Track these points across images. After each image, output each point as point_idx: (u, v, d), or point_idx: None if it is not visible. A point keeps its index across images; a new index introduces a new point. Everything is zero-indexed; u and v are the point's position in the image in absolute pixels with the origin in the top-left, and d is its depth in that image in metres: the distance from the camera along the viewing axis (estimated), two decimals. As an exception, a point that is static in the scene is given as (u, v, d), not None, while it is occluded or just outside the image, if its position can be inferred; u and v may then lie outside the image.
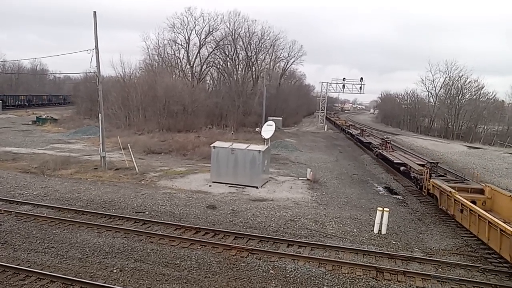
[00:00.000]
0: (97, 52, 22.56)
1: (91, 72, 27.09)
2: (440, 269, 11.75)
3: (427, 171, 20.28)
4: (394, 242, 13.88)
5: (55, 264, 11.04)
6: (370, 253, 12.67)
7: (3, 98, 69.91)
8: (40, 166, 22.84)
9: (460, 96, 74.43)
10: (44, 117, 51.21)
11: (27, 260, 11.19)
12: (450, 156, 38.42)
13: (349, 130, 56.80)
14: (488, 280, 11.09)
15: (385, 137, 36.23)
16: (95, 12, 22.47)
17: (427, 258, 12.53)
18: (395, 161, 26.10)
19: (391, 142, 35.94)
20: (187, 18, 60.61)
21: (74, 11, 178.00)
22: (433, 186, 18.78)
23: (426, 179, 19.93)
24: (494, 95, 74.43)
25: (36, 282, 9.85)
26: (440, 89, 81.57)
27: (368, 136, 46.49)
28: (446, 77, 78.90)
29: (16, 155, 27.12)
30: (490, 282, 10.95)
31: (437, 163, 22.92)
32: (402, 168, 24.58)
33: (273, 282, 10.52)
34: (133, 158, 24.18)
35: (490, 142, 60.81)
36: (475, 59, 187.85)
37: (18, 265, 10.69)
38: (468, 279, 11.07)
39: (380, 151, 32.11)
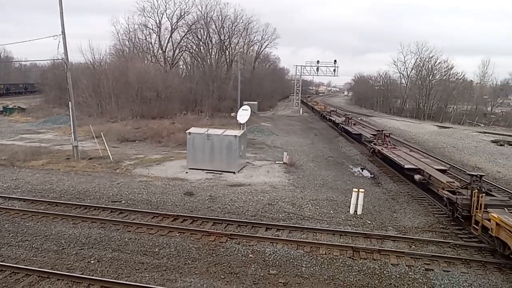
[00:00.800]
0: (64, 38, 21.76)
1: (58, 59, 26.20)
2: (413, 246, 12.16)
3: (474, 192, 12.80)
4: (369, 222, 14.24)
5: (30, 257, 10.81)
6: (346, 234, 12.97)
7: None
8: (10, 158, 22.12)
9: (430, 77, 76.19)
10: (11, 106, 49.36)
11: (0, 254, 10.90)
12: (422, 136, 39.48)
13: (330, 117, 48.24)
14: (458, 255, 11.55)
15: (381, 130, 28.77)
16: (60, -5, 21.56)
17: (401, 236, 12.93)
18: (406, 166, 19.35)
19: (390, 135, 29.27)
20: (158, 1, 59.14)
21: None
22: (497, 224, 11.09)
23: (475, 206, 12.57)
24: (463, 76, 76.68)
25: (10, 276, 9.64)
26: (411, 70, 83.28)
27: (355, 125, 38.49)
28: (417, 58, 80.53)
29: (-17, 147, 26.13)
30: (461, 257, 11.41)
31: (481, 175, 14.02)
32: (417, 177, 18.19)
33: (253, 266, 10.65)
34: (106, 147, 23.71)
35: (460, 122, 62.85)
36: (444, 40, 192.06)
37: (-10, 260, 10.41)
38: (440, 255, 11.51)
39: (378, 147, 25.02)
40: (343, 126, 38.43)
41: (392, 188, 19.31)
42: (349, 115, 42.86)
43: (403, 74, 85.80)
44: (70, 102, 23.03)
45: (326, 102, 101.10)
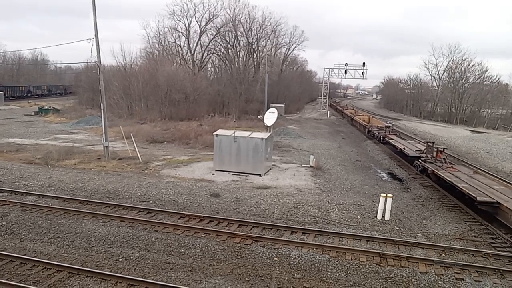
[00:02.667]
0: (97, 41, 22.40)
1: (92, 62, 27.00)
2: (443, 254, 11.80)
3: None
4: (397, 228, 13.93)
5: (61, 253, 11.15)
6: (373, 239, 12.72)
7: (4, 89, 69.85)
8: (44, 157, 22.93)
9: (463, 80, 73.85)
10: (46, 107, 51.23)
11: (34, 250, 11.31)
12: (454, 141, 38.29)
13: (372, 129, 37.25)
14: (491, 265, 11.13)
15: (432, 142, 23.47)
16: (93, 0, 22.25)
17: (431, 243, 12.57)
18: (479, 199, 14.52)
19: (445, 150, 23.14)
20: (187, 5, 59.98)
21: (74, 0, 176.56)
22: None
23: None
24: (498, 78, 73.88)
25: (43, 272, 9.97)
26: (443, 73, 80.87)
27: (397, 135, 31.33)
28: (450, 60, 78.15)
29: (20, 146, 27.22)
30: (494, 266, 10.99)
31: None
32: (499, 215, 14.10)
33: (277, 269, 10.60)
34: (136, 147, 24.23)
35: (494, 126, 60.58)
36: (478, 42, 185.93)
37: (25, 255, 10.81)
38: (471, 264, 11.12)
39: (431, 166, 20.26)
40: (390, 141, 29.88)
41: (422, 193, 18.83)
42: (390, 124, 36.39)
43: (434, 77, 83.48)
44: (102, 104, 23.68)
45: (354, 105, 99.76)
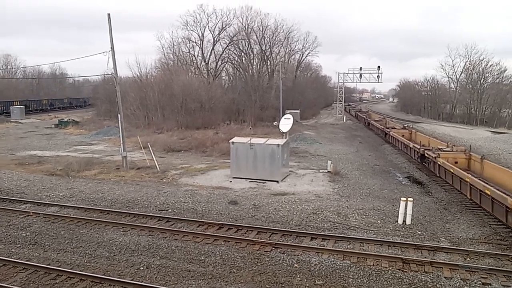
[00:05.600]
0: (113, 54, 22.83)
1: (108, 74, 27.50)
2: (468, 259, 11.51)
3: None
4: (419, 233, 13.67)
5: (83, 263, 11.30)
6: (395, 244, 12.51)
7: (26, 103, 71.85)
8: (65, 168, 23.35)
9: (482, 81, 72.62)
10: (66, 120, 52.27)
11: (57, 260, 11.48)
12: (475, 142, 37.49)
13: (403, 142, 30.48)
14: (519, 269, 10.80)
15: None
16: (109, 15, 22.73)
17: (455, 247, 12.29)
18: None
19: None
20: (200, 15, 60.85)
21: (91, 14, 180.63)
22: None
23: None
24: (518, 78, 72.26)
25: (66, 281, 10.10)
26: (461, 74, 79.70)
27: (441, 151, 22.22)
28: (467, 61, 77.01)
29: (41, 158, 27.79)
30: (522, 270, 10.65)
31: None
32: None
33: (298, 276, 10.51)
34: (153, 157, 24.48)
35: (516, 127, 59.20)
36: (496, 42, 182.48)
37: (48, 265, 10.99)
38: (498, 268, 10.81)
39: None
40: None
41: (443, 197, 18.46)
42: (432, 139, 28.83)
43: (451, 78, 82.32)
44: (119, 115, 24.06)
45: (370, 108, 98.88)
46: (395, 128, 37.73)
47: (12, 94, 76.36)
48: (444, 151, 22.67)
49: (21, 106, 63.82)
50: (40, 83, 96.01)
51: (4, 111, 62.11)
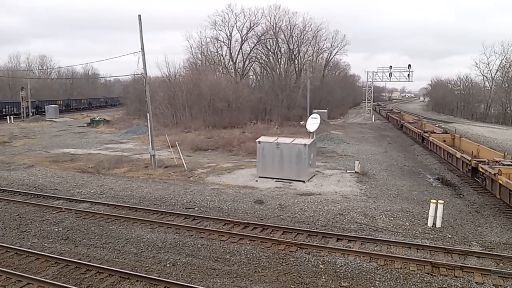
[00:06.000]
0: (143, 54, 23.27)
1: (138, 74, 28.03)
2: (501, 264, 11.09)
3: None
4: (450, 236, 13.27)
5: (112, 258, 11.59)
6: (424, 247, 12.19)
7: (68, 102, 75.44)
8: (96, 166, 24.03)
9: (519, 79, 69.71)
10: (97, 119, 53.81)
11: (87, 255, 11.83)
12: (511, 144, 36.09)
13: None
14: (557, 276, 10.30)
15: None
16: (139, 16, 23.15)
17: (487, 252, 11.86)
18: None
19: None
20: (228, 15, 61.27)
21: (122, 16, 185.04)
22: None
23: None
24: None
25: (96, 276, 10.39)
26: (496, 72, 76.86)
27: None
28: (503, 59, 74.16)
29: (74, 156, 28.71)
30: (559, 278, 10.15)
31: None
32: None
33: (323, 277, 10.41)
34: (181, 156, 24.82)
35: (555, 127, 56.53)
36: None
37: (79, 259, 11.34)
38: (534, 274, 10.36)
39: None
40: None
41: (476, 200, 17.84)
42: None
43: (486, 77, 79.54)
44: (148, 114, 24.52)
45: (400, 108, 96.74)
46: (434, 133, 32.37)
47: (46, 94, 79.48)
48: (505, 165, 18.37)
49: (56, 106, 66.24)
50: (73, 83, 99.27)
51: (42, 110, 64.66)
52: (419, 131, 36.22)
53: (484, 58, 78.22)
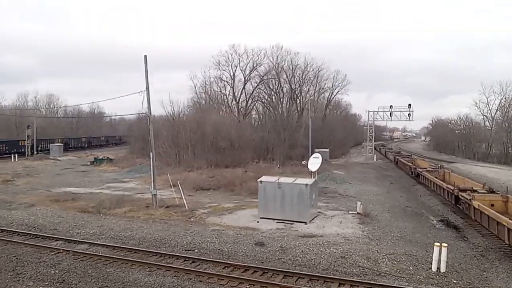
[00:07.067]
0: (148, 94, 23.74)
1: (142, 113, 28.53)
2: (509, 312, 10.75)
3: None
4: (455, 281, 12.94)
5: (109, 303, 11.31)
6: (428, 293, 11.88)
7: (67, 140, 75.31)
8: (97, 206, 23.91)
9: (519, 119, 70.25)
10: (101, 157, 54.15)
11: (83, 299, 11.56)
12: (513, 184, 35.82)
13: None
14: None
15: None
16: (145, 56, 23.84)
17: (494, 299, 11.55)
18: None
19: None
20: (232, 55, 62.99)
21: (126, 56, 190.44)
22: None
23: None
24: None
25: (91, 322, 10.11)
26: (496, 111, 77.61)
27: None
28: (502, 98, 75.13)
29: (75, 195, 28.65)
30: None
31: None
32: None
33: (325, 325, 10.09)
34: (182, 195, 24.74)
35: (559, 167, 56.25)
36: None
37: (75, 304, 11.08)
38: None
39: None
40: None
41: (481, 242, 17.53)
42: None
43: (486, 116, 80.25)
44: (151, 153, 24.70)
45: (402, 148, 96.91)
46: (477, 192, 22.24)
47: (53, 132, 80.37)
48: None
49: (60, 144, 66.85)
50: (79, 121, 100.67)
51: (46, 148, 65.00)
52: (449, 187, 26.01)
53: (484, 97, 79.07)
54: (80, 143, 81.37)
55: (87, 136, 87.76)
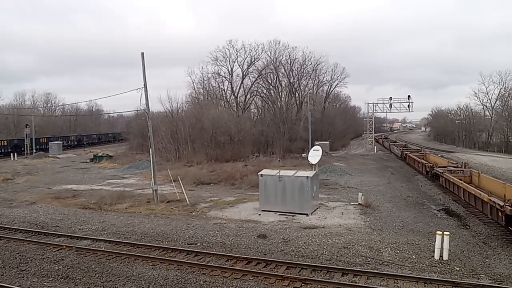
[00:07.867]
0: (146, 90, 23.69)
1: (141, 110, 28.42)
2: (512, 298, 10.78)
3: None
4: (457, 269, 12.96)
5: (113, 298, 11.32)
6: (432, 281, 11.89)
7: (61, 139, 74.80)
8: (98, 202, 23.92)
9: (519, 107, 70.20)
10: (100, 154, 54.04)
11: (87, 294, 11.57)
12: (514, 172, 35.88)
13: None
14: None
15: None
16: (142, 53, 23.77)
17: (496, 285, 11.55)
18: None
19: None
20: (229, 51, 62.63)
21: (124, 52, 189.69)
22: None
23: None
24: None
25: (95, 316, 10.12)
26: (495, 101, 77.53)
27: None
28: (501, 88, 75.01)
29: (76, 192, 28.65)
30: None
31: None
32: None
33: (329, 314, 10.11)
34: (183, 190, 24.73)
35: (559, 155, 56.32)
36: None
37: (79, 299, 11.08)
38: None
39: None
40: None
41: (482, 230, 17.56)
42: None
43: (486, 106, 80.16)
44: (150, 149, 24.67)
45: (402, 139, 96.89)
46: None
47: (51, 131, 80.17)
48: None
49: (59, 142, 66.70)
50: (77, 119, 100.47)
51: (45, 147, 64.87)
52: (476, 190, 21.14)
53: (483, 87, 78.90)
54: (70, 141, 79.32)
55: (77, 134, 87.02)
